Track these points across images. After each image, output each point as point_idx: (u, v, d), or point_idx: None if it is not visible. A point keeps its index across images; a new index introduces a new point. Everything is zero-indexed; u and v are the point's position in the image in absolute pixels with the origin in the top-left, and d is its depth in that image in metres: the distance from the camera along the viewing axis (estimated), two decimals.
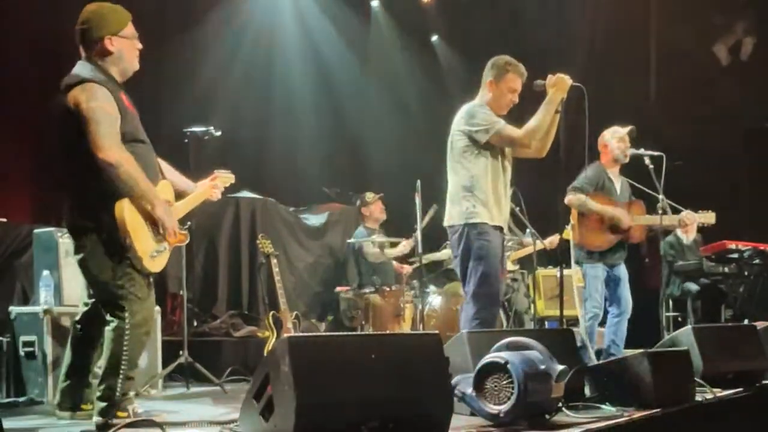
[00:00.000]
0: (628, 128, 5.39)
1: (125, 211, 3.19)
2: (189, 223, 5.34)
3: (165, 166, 3.64)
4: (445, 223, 4.27)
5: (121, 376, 3.29)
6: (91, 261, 3.29)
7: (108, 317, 3.30)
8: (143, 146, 3.40)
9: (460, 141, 4.19)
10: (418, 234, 5.77)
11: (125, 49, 3.38)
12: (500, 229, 4.23)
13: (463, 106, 4.27)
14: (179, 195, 3.64)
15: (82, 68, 3.34)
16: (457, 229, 4.16)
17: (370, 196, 6.81)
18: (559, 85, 4.14)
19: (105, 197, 3.20)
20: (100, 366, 3.38)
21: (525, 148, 4.20)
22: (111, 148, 3.16)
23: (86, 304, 3.55)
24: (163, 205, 3.28)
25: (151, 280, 3.41)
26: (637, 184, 5.53)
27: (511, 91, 4.24)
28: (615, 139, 5.38)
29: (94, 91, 3.22)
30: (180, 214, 3.55)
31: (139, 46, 3.45)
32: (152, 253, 3.31)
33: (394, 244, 6.75)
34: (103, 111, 3.20)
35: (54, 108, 3.32)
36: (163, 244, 3.36)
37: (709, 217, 5.55)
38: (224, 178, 3.86)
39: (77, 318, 3.58)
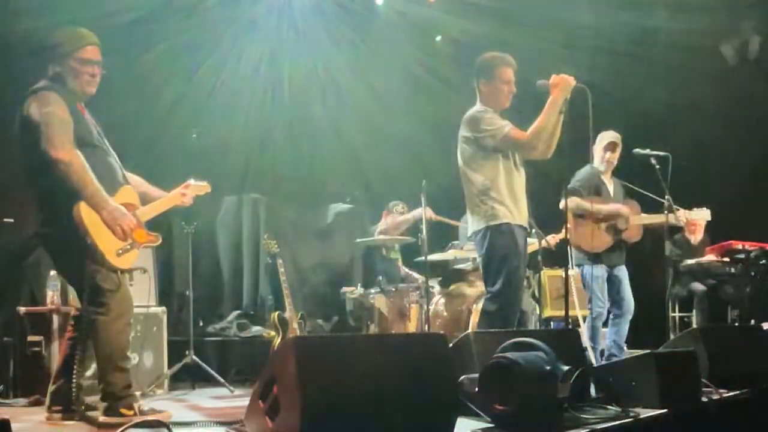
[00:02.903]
0: (611, 138, 5.39)
1: (83, 211, 3.30)
2: (195, 222, 5.39)
3: (135, 178, 3.76)
4: (469, 233, 4.27)
5: (114, 369, 3.36)
6: (63, 263, 3.48)
7: (89, 315, 3.38)
8: (99, 150, 3.51)
9: (468, 148, 4.18)
10: (424, 233, 5.77)
11: (83, 70, 3.51)
12: (523, 228, 4.23)
13: (467, 113, 4.25)
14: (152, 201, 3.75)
15: (41, 81, 3.49)
16: (481, 232, 4.16)
17: (395, 207, 6.76)
18: (562, 85, 4.12)
19: (64, 200, 3.31)
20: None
21: (532, 150, 4.19)
22: (63, 147, 3.30)
23: (76, 307, 3.61)
24: (108, 208, 3.36)
25: (121, 274, 3.48)
26: (631, 186, 5.54)
27: (505, 82, 4.24)
28: (599, 146, 5.42)
29: (46, 98, 3.38)
30: (147, 217, 3.64)
31: (98, 70, 3.57)
32: (118, 251, 3.41)
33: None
34: (55, 115, 3.35)
35: (16, 122, 3.45)
36: (129, 242, 3.45)
37: (704, 214, 5.54)
38: (197, 187, 3.96)
39: (72, 321, 3.64)
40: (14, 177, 5.53)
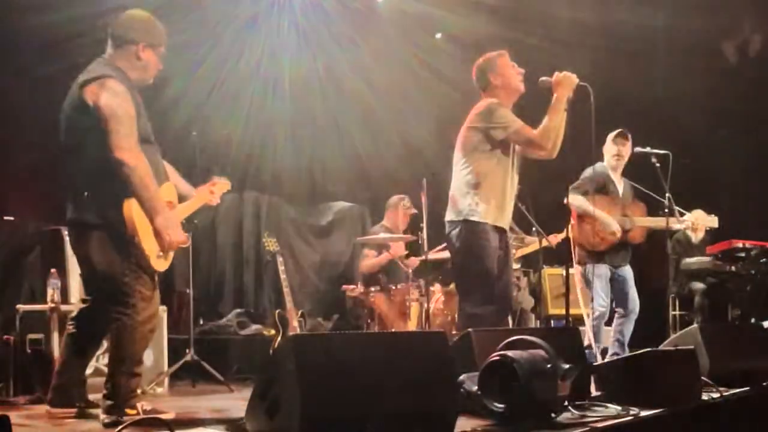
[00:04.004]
0: (619, 131, 5.40)
1: (134, 209, 3.20)
2: (195, 221, 5.39)
3: (168, 168, 3.66)
4: (446, 218, 4.25)
5: (127, 373, 3.31)
6: (98, 257, 3.30)
7: (114, 314, 3.30)
8: (151, 147, 3.42)
9: (473, 137, 4.14)
10: (424, 233, 5.77)
11: (152, 64, 3.46)
12: (501, 230, 4.19)
13: (478, 104, 4.22)
14: (181, 198, 3.68)
15: (100, 65, 3.35)
16: (457, 225, 4.14)
17: (401, 202, 6.75)
18: (564, 83, 4.11)
19: (114, 194, 3.20)
20: (105, 364, 3.41)
21: (540, 150, 4.14)
22: (131, 149, 3.17)
23: (84, 301, 3.57)
24: (164, 214, 3.27)
25: (156, 278, 3.42)
26: (640, 187, 5.53)
27: (511, 67, 4.24)
28: (609, 142, 5.42)
29: (115, 88, 3.23)
30: (181, 217, 3.59)
31: (161, 66, 3.51)
32: (159, 253, 3.33)
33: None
34: (123, 110, 3.21)
35: (67, 103, 3.33)
36: (167, 246, 3.37)
37: (711, 221, 5.56)
38: (222, 185, 3.91)
39: (73, 315, 3.59)
40: (15, 175, 5.56)
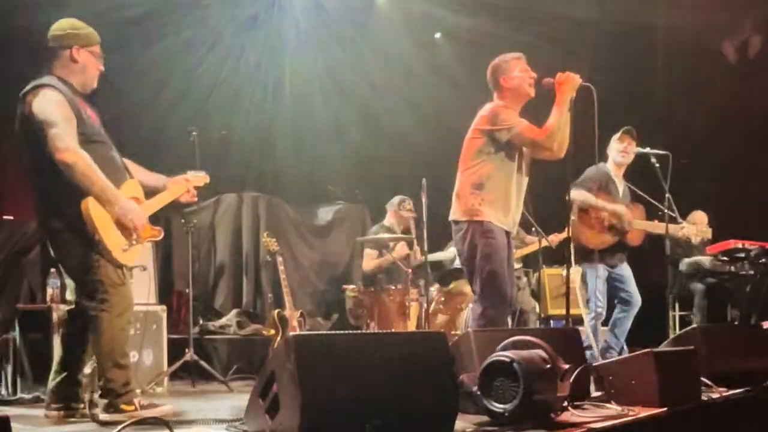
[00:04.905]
0: (623, 130, 5.40)
1: (90, 207, 3.29)
2: (195, 221, 5.39)
3: (132, 165, 3.72)
4: (450, 218, 4.25)
5: (114, 366, 3.36)
6: (66, 257, 3.44)
7: (89, 311, 3.38)
8: (103, 146, 3.49)
9: (477, 139, 4.13)
10: (424, 232, 5.76)
11: (89, 65, 3.54)
12: (506, 232, 4.18)
13: (485, 106, 4.20)
14: (152, 192, 3.73)
15: (40, 77, 3.46)
16: (462, 226, 4.13)
17: (402, 204, 6.71)
18: (568, 83, 4.11)
19: (70, 195, 3.30)
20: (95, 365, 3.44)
21: (545, 151, 4.14)
22: (67, 149, 3.28)
23: (74, 303, 3.60)
24: (120, 203, 3.36)
25: (125, 271, 3.49)
26: (638, 191, 5.53)
27: (524, 71, 4.22)
28: (614, 141, 5.42)
29: (47, 94, 3.35)
30: (151, 211, 3.63)
31: (101, 67, 3.59)
32: (123, 246, 3.41)
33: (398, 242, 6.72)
34: (57, 113, 3.32)
35: (17, 118, 3.44)
36: (134, 238, 3.44)
37: (705, 233, 5.58)
38: (197, 178, 3.94)
39: (67, 316, 3.65)
40: (14, 174, 5.55)
